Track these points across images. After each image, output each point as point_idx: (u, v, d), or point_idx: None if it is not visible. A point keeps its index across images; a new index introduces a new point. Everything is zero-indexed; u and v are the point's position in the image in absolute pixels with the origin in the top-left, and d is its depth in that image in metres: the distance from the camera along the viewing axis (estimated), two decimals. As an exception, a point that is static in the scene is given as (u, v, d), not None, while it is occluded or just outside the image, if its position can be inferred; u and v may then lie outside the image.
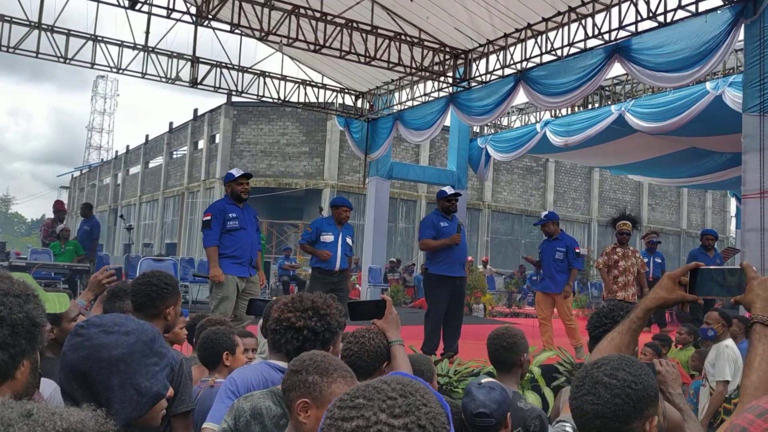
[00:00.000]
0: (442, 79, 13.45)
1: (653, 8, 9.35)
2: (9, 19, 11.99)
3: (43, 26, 12.23)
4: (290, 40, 11.33)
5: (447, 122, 14.85)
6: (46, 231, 12.35)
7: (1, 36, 11.90)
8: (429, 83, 14.22)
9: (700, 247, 10.09)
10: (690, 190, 35.19)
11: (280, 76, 15.12)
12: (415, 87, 14.79)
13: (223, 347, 3.13)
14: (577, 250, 8.32)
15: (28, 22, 12.04)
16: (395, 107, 15.49)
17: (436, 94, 14.14)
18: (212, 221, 6.27)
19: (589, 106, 14.26)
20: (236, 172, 6.51)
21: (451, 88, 13.54)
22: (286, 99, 15.38)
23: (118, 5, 10.49)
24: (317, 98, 15.92)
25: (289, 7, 11.30)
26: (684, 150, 14.13)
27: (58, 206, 12.67)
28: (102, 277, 3.22)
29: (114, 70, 13.30)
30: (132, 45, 13.37)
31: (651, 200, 36.23)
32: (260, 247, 6.86)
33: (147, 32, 13.03)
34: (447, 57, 13.04)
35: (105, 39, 13.15)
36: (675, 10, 9.10)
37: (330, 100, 16.34)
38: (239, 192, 6.41)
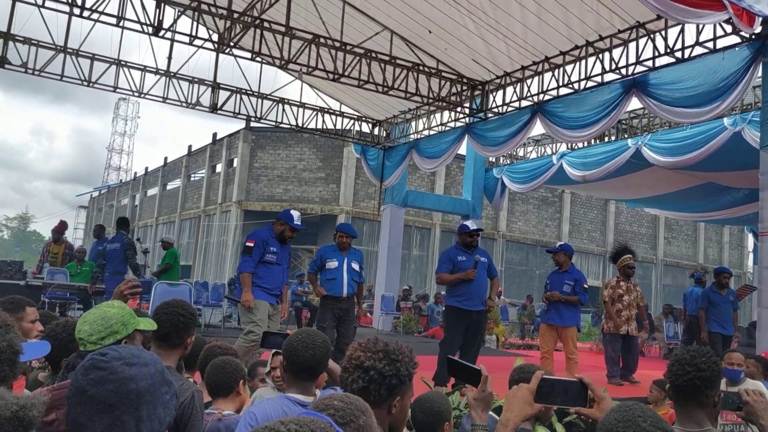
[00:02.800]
0: (458, 109, 13.53)
1: (671, 44, 9.40)
2: (36, 42, 12.26)
3: (68, 50, 12.50)
4: (310, 69, 11.48)
5: (461, 151, 14.91)
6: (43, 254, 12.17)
7: (27, 59, 12.17)
8: (446, 113, 14.31)
9: (713, 284, 9.97)
10: (707, 225, 34.91)
11: (298, 103, 15.30)
12: (432, 117, 14.90)
13: (239, 375, 3.11)
14: (585, 285, 8.30)
15: (54, 46, 12.31)
16: (411, 136, 15.59)
17: (452, 124, 14.23)
18: (254, 249, 6.36)
19: (606, 139, 14.26)
20: (297, 219, 6.53)
21: (467, 119, 13.62)
22: (304, 125, 15.54)
23: (143, 31, 10.69)
24: (334, 125, 16.07)
25: (310, 37, 11.47)
26: (701, 185, 14.06)
27: (58, 228, 12.40)
28: (125, 288, 3.22)
29: (136, 94, 13.53)
30: (154, 70, 13.62)
31: (667, 233, 35.96)
32: (288, 281, 6.96)
33: (169, 58, 13.28)
34: (464, 88, 13.15)
35: (128, 63, 13.41)
36: (693, 46, 9.14)
37: (347, 128, 16.49)
38: (287, 237, 6.52)
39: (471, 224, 7.15)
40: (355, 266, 7.19)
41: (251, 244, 6.37)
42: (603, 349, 13.59)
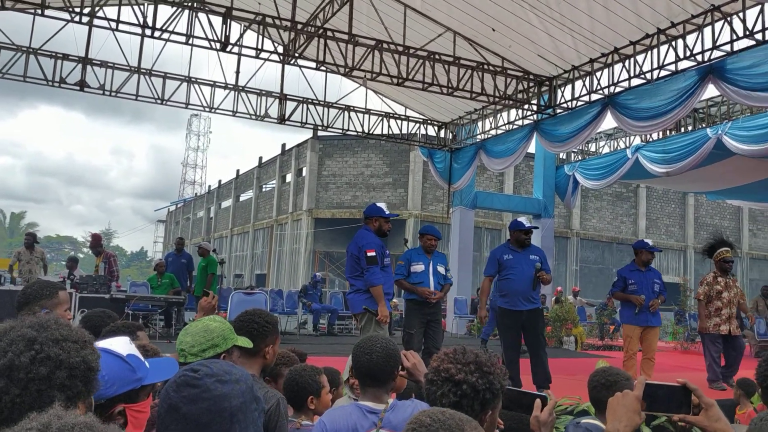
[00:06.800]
0: (526, 107, 13.30)
1: (750, 26, 8.94)
2: (112, 65, 12.79)
3: (142, 70, 12.98)
4: (374, 75, 11.52)
5: (531, 149, 14.64)
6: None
7: (104, 81, 12.71)
8: (513, 111, 14.09)
9: None
10: (796, 214, 33.12)
11: (364, 110, 15.39)
12: (499, 116, 14.69)
13: (308, 391, 3.08)
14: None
15: (128, 68, 12.81)
16: (478, 136, 15.42)
17: (520, 122, 13.98)
18: (377, 257, 6.01)
19: (682, 129, 13.72)
20: (385, 208, 6.30)
21: (535, 116, 13.36)
22: (370, 132, 15.61)
23: (211, 48, 10.99)
24: (400, 130, 16.09)
25: (373, 43, 11.52)
26: (788, 172, 13.34)
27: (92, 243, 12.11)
28: (215, 302, 3.57)
29: (207, 109, 13.93)
30: (223, 85, 13.99)
31: (752, 226, 34.28)
32: None
33: (237, 72, 13.61)
34: (531, 84, 12.91)
35: (198, 80, 13.82)
36: (774, 27, 8.67)
37: (413, 132, 16.48)
38: (386, 230, 6.28)
39: (525, 221, 6.95)
40: (440, 269, 7.00)
41: (373, 253, 5.99)
42: (686, 349, 12.94)
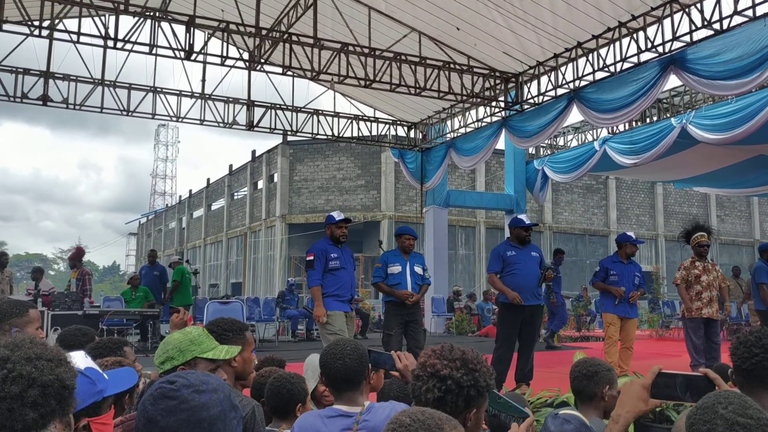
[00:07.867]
0: (493, 104, 13.39)
1: (708, 16, 9.12)
2: (75, 78, 12.60)
3: (106, 82, 12.81)
4: (341, 78, 11.51)
5: (499, 146, 14.76)
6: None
7: (68, 95, 12.52)
8: (481, 109, 14.19)
9: (759, 259, 9.47)
10: (761, 199, 33.81)
11: (333, 113, 15.37)
12: (467, 114, 14.78)
13: (297, 399, 3.02)
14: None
15: (92, 80, 12.63)
16: (448, 135, 15.50)
17: (488, 120, 14.08)
18: (315, 261, 6.39)
19: (647, 120, 13.93)
20: (337, 216, 6.59)
21: (503, 113, 13.47)
22: (340, 135, 15.60)
23: (175, 57, 10.88)
24: (370, 132, 16.10)
25: (338, 46, 11.51)
26: (751, 158, 13.59)
27: (73, 255, 11.90)
28: (186, 318, 3.50)
29: (174, 118, 13.79)
30: (190, 94, 13.86)
31: (720, 211, 34.95)
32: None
33: (203, 80, 13.53)
34: (497, 82, 13.01)
35: (164, 90, 13.68)
36: (731, 16, 8.85)
37: (383, 133, 16.50)
38: (338, 235, 6.53)
39: (525, 218, 7.03)
40: (418, 269, 7.07)
41: (311, 258, 6.39)
42: (661, 336, 13.08)
